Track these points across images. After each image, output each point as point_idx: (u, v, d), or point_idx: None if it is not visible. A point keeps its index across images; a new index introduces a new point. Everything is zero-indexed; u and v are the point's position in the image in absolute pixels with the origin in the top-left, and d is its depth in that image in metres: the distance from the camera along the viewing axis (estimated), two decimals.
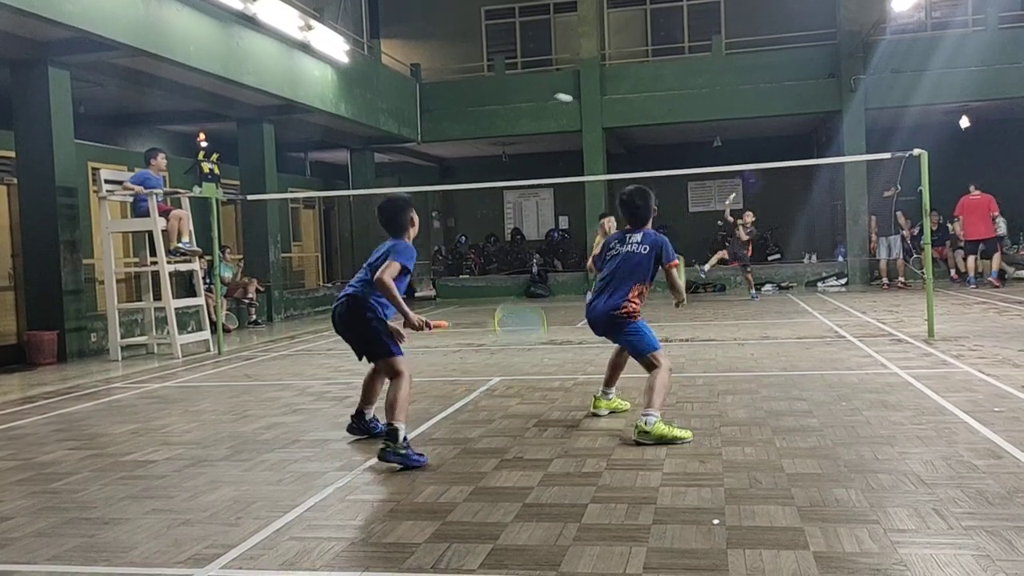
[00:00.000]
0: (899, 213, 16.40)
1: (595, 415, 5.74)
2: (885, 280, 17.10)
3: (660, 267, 5.35)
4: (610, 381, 5.75)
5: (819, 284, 18.33)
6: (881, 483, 3.90)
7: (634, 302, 5.26)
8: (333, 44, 15.36)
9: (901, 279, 16.90)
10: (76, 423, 6.42)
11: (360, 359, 5.05)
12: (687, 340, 9.81)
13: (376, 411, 5.34)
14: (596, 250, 14.05)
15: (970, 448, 4.45)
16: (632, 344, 5.29)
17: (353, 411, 5.45)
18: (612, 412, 5.76)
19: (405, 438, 4.60)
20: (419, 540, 3.42)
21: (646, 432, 4.86)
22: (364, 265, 5.02)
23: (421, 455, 4.67)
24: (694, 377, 7.19)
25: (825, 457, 4.40)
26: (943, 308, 11.65)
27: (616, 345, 5.58)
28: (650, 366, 5.18)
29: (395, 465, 4.54)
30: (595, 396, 5.84)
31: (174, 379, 8.69)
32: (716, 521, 3.48)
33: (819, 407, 5.68)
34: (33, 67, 10.66)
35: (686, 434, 4.95)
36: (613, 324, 5.28)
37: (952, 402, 5.62)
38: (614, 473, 4.27)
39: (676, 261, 5.37)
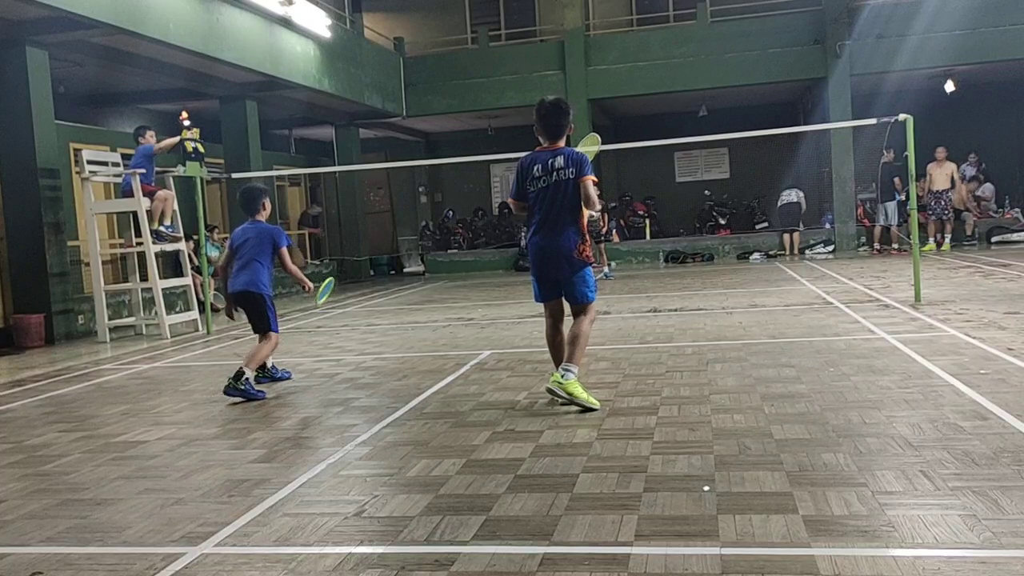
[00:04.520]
0: (896, 179, 16.31)
1: (555, 395, 5.12)
2: (877, 245, 17.16)
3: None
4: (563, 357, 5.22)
5: (806, 251, 18.39)
6: (869, 447, 3.94)
7: (587, 243, 5.21)
8: (314, 18, 15.20)
9: (895, 245, 16.96)
10: (66, 405, 6.41)
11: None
12: (676, 310, 9.84)
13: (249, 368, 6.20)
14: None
15: (956, 410, 4.49)
16: (580, 290, 5.20)
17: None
18: (575, 403, 5.02)
19: (248, 379, 5.98)
20: (412, 513, 3.44)
21: (560, 384, 5.03)
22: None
23: (261, 391, 6.11)
24: (683, 346, 7.22)
25: (813, 422, 4.43)
26: (929, 273, 11.71)
27: (550, 323, 5.35)
28: (581, 313, 5.22)
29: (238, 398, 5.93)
30: (558, 382, 5.08)
31: (163, 359, 8.67)
32: (706, 488, 3.50)
33: (807, 373, 5.72)
34: (10, 47, 10.51)
35: (595, 404, 5.02)
36: (571, 266, 5.13)
37: (939, 365, 5.67)
38: (605, 443, 4.30)
39: (592, 176, 5.08)
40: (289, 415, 5.54)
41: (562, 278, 5.21)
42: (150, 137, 10.90)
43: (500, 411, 5.19)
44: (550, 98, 5.29)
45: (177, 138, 10.96)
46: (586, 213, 5.22)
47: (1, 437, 5.41)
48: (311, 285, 6.62)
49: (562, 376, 5.06)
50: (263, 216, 6.56)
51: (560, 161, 5.09)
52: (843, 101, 18.04)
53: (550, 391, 5.12)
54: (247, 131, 15.67)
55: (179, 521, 3.54)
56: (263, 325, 6.37)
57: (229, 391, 5.99)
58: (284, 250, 6.47)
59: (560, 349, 5.31)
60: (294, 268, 6.60)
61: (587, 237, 5.23)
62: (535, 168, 5.16)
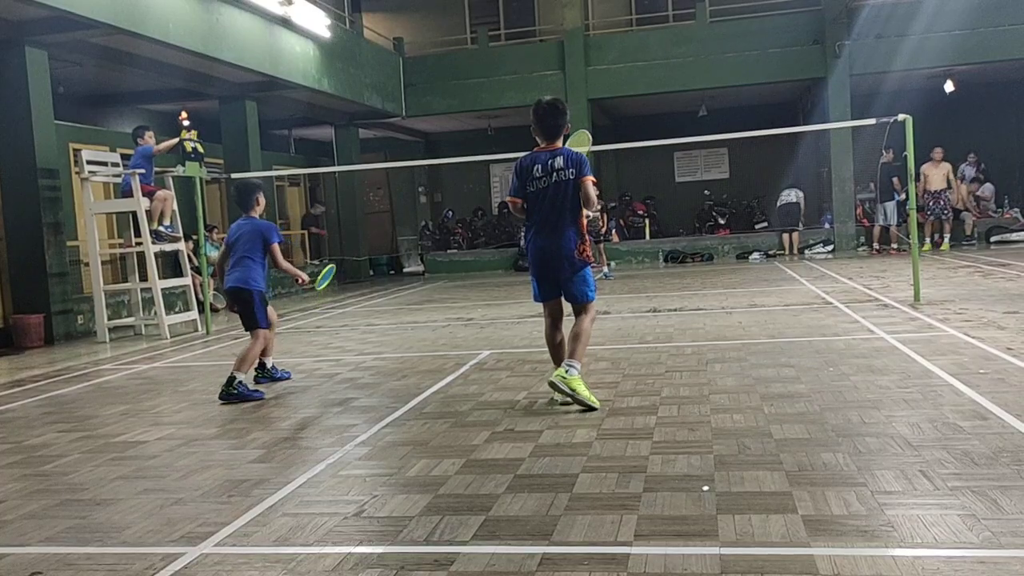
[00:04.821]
0: (895, 179, 16.30)
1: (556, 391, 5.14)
2: (876, 245, 17.15)
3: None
4: (563, 356, 5.26)
5: (806, 251, 18.39)
6: (868, 446, 3.94)
7: (587, 243, 5.24)
8: (314, 19, 15.20)
9: (894, 245, 16.96)
10: (66, 405, 6.41)
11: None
12: (675, 310, 9.84)
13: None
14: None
15: (956, 410, 4.49)
16: (580, 289, 5.24)
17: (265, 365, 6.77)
18: (576, 400, 5.04)
19: (240, 382, 6.06)
20: (412, 513, 3.44)
21: (564, 379, 5.01)
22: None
23: (259, 391, 6.21)
24: (683, 346, 7.22)
25: (813, 422, 4.43)
26: (929, 273, 11.72)
27: (549, 323, 5.38)
28: (582, 312, 5.25)
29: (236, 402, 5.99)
30: (562, 377, 5.07)
31: (163, 360, 8.66)
32: (706, 488, 3.50)
33: (807, 373, 5.72)
34: (10, 47, 10.51)
35: (596, 403, 5.03)
36: (572, 267, 5.17)
37: (938, 365, 5.67)
38: (604, 443, 4.30)
39: (591, 177, 5.10)
40: (288, 415, 5.54)
41: (562, 278, 5.24)
42: (149, 138, 10.90)
43: (499, 411, 5.19)
44: (547, 98, 5.32)
45: (176, 139, 10.97)
46: (584, 213, 5.25)
47: (1, 437, 5.41)
48: (306, 277, 6.70)
49: (566, 371, 5.08)
50: (257, 212, 6.61)
51: (560, 162, 5.12)
52: (842, 101, 18.04)
53: (552, 385, 5.12)
54: (247, 131, 15.67)
55: (179, 521, 3.54)
56: (251, 322, 6.39)
57: (224, 397, 6.05)
58: (275, 246, 6.50)
59: (560, 349, 5.32)
60: (286, 264, 6.64)
61: (587, 237, 5.26)
62: (535, 168, 5.18)
